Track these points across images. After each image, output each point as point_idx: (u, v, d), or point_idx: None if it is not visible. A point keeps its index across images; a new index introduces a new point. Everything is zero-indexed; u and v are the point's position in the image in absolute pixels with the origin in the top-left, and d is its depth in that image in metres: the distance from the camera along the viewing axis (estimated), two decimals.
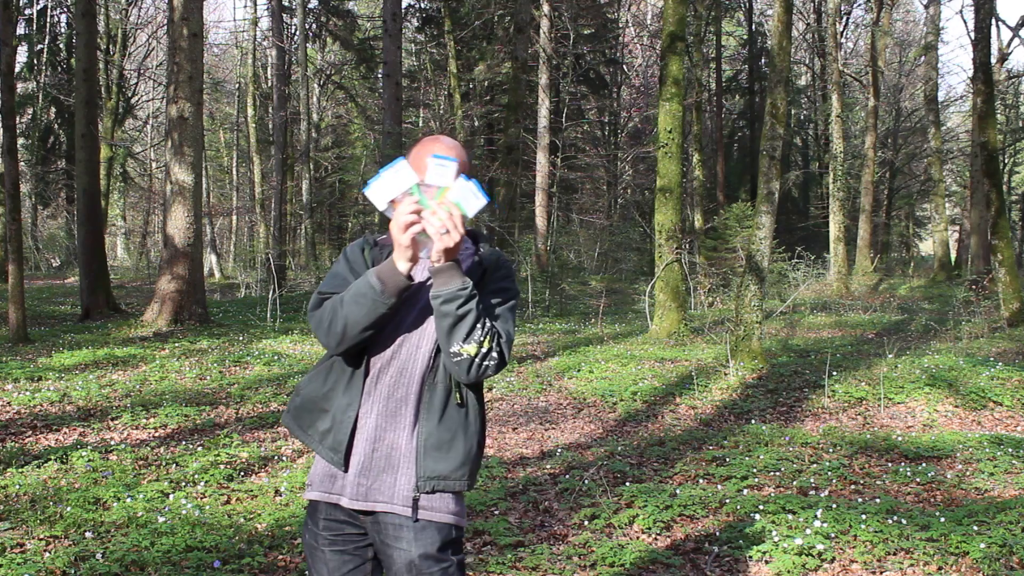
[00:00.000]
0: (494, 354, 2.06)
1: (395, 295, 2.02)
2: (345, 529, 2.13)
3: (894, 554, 4.10)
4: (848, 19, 33.38)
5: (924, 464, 5.79)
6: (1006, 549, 4.03)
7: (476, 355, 2.03)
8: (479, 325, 2.03)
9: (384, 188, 2.02)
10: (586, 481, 5.33)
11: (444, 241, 1.98)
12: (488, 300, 2.15)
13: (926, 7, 25.74)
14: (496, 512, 4.83)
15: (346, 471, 2.11)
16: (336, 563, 2.13)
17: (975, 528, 4.29)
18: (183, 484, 5.21)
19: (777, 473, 5.50)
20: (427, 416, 2.10)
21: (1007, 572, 3.85)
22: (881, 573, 3.96)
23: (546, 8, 23.02)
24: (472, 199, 2.02)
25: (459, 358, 2.03)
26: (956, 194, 37.95)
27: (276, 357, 9.98)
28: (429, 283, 2.10)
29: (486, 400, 7.65)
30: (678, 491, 5.05)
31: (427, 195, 2.01)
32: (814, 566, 4.00)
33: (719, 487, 5.26)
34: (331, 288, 2.16)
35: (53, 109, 28.01)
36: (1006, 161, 35.50)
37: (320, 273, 24.22)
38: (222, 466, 5.57)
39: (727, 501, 4.82)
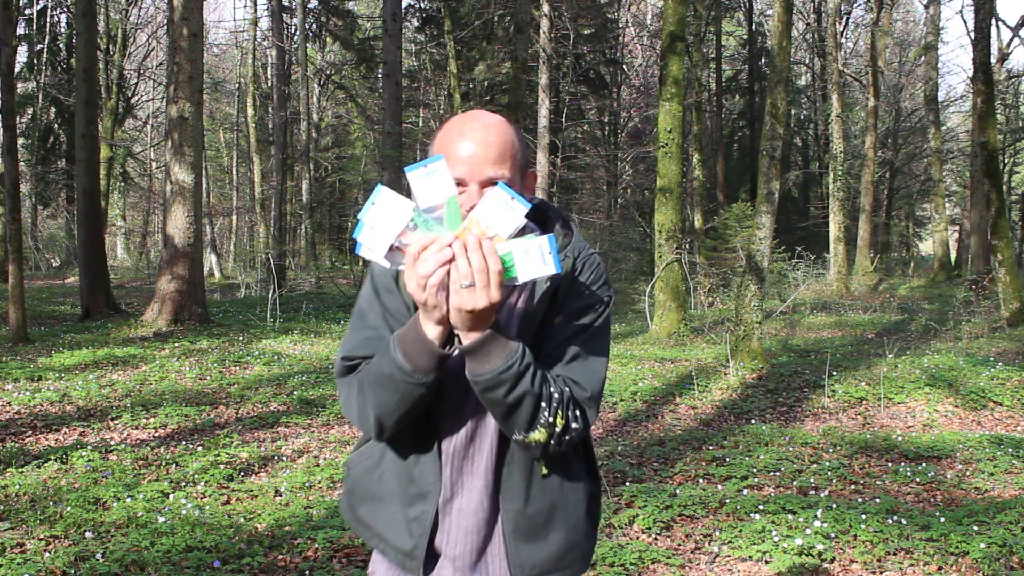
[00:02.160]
0: (574, 425, 1.54)
1: (432, 371, 1.49)
2: None
3: (894, 554, 4.10)
4: (848, 19, 33.39)
5: (924, 464, 5.79)
6: (1006, 549, 4.03)
7: (550, 438, 1.53)
8: (543, 404, 1.50)
9: (375, 236, 1.42)
10: None
11: (463, 300, 1.39)
12: (566, 328, 1.59)
13: (926, 7, 25.74)
14: None
15: None
16: None
17: (975, 528, 4.29)
18: (183, 484, 5.21)
19: (777, 473, 5.50)
20: (508, 500, 1.62)
21: (1007, 572, 3.85)
22: (881, 573, 3.96)
23: (546, 8, 23.02)
24: (533, 255, 1.41)
25: (528, 446, 1.54)
26: (956, 194, 37.97)
27: (276, 357, 9.98)
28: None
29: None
30: (678, 491, 5.05)
31: (441, 218, 1.43)
32: (814, 566, 4.00)
33: (719, 487, 5.26)
34: (359, 349, 1.62)
35: (53, 109, 28.02)
36: (1006, 161, 35.50)
37: (320, 273, 24.22)
38: (222, 466, 5.57)
39: (727, 501, 4.81)
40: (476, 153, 1.51)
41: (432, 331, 1.46)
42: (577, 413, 1.54)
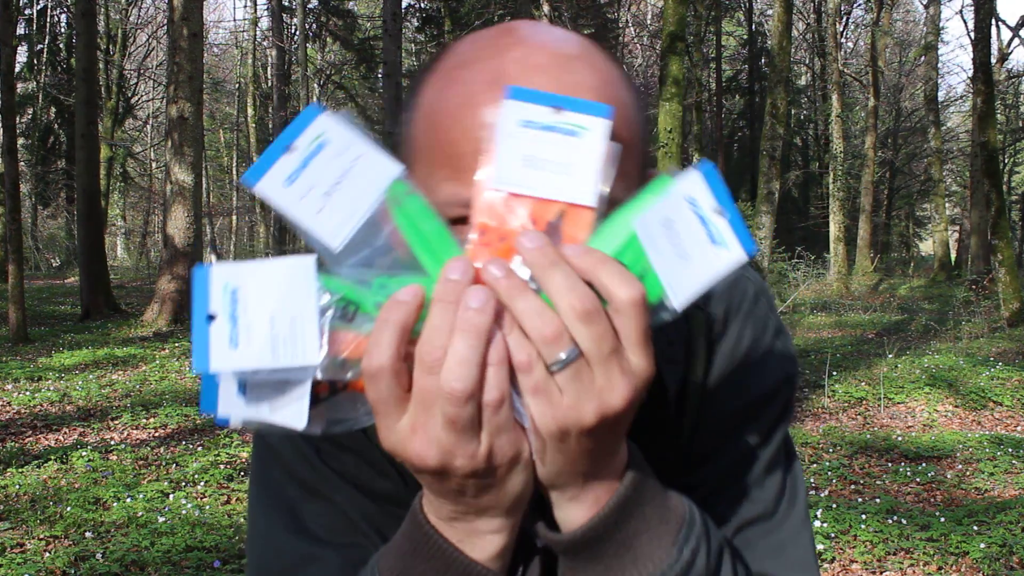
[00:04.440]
0: None
1: None
2: None
3: (894, 554, 4.10)
4: (848, 19, 33.41)
5: (924, 464, 5.79)
6: (1006, 549, 4.03)
7: None
8: None
9: (261, 393, 0.55)
10: None
11: (568, 405, 0.52)
12: (721, 455, 0.78)
13: (926, 7, 25.76)
14: None
15: None
16: None
17: (975, 528, 4.29)
18: (183, 484, 5.21)
19: None
20: None
21: (1007, 572, 3.85)
22: (881, 573, 3.96)
23: (546, 8, 23.03)
24: (687, 228, 0.55)
25: None
26: (956, 194, 37.96)
27: None
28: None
29: None
30: None
31: (483, 228, 0.55)
32: None
33: None
34: None
35: (53, 109, 28.02)
36: (1006, 161, 35.52)
37: None
38: (222, 466, 5.57)
39: None
40: None
41: (491, 540, 0.60)
42: None
